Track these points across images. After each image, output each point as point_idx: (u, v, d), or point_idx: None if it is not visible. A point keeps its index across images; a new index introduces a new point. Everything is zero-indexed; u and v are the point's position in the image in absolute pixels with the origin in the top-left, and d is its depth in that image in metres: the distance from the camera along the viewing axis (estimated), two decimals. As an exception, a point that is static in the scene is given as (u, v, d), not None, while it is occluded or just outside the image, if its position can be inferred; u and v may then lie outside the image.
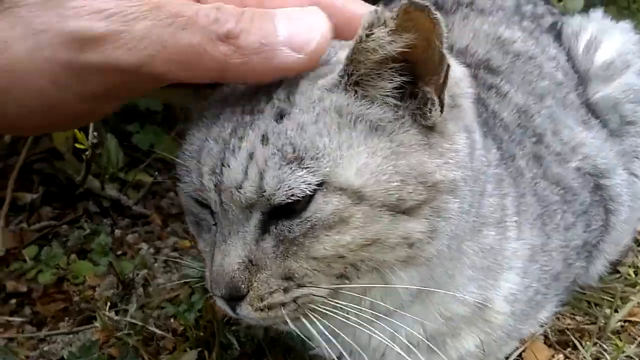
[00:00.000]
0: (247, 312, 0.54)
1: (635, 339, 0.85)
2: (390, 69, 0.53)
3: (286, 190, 0.51)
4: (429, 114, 0.54)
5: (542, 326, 0.83)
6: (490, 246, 0.65)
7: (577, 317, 0.91)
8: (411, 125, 0.55)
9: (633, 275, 1.01)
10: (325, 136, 0.52)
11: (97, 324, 0.92)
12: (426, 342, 0.64)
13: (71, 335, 0.93)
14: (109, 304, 0.96)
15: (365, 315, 0.57)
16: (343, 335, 0.59)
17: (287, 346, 0.86)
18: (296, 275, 0.54)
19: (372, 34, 0.50)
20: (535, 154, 0.77)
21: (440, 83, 0.54)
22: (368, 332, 0.58)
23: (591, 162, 0.81)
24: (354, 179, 0.51)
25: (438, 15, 0.49)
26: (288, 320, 0.55)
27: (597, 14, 0.96)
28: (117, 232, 1.22)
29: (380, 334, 0.59)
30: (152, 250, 1.17)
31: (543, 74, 0.85)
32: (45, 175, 1.32)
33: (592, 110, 0.89)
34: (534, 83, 0.84)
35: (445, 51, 0.52)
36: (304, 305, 0.55)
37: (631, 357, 0.81)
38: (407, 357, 0.62)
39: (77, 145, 1.00)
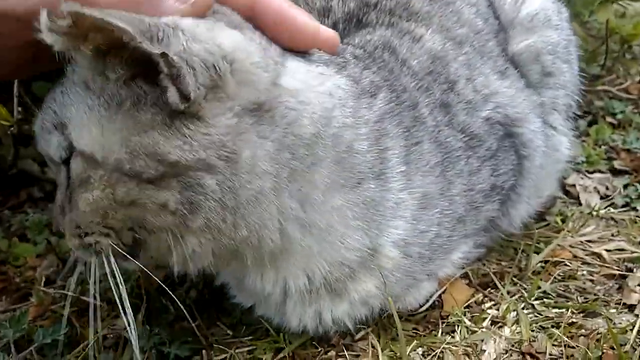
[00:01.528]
0: (69, 246, 0.64)
1: (552, 277, 0.88)
2: (117, 55, 0.56)
3: (52, 151, 0.61)
4: (169, 99, 0.56)
5: (462, 268, 0.87)
6: (371, 198, 0.68)
7: (503, 262, 0.95)
8: (152, 106, 0.57)
9: (560, 223, 1.05)
10: (72, 106, 0.59)
11: (33, 299, 0.93)
12: (320, 287, 0.70)
13: (7, 313, 0.93)
14: (44, 280, 0.96)
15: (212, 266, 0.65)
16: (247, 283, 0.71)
17: (220, 307, 0.88)
18: (80, 225, 0.61)
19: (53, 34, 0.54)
20: (444, 102, 0.78)
21: (168, 72, 0.55)
22: (259, 279, 0.70)
23: (502, 112, 0.83)
24: (88, 146, 0.58)
25: (97, 15, 0.51)
26: (94, 258, 0.63)
27: None
28: (61, 215, 1.22)
29: (268, 282, 0.70)
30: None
31: (462, 21, 0.87)
32: (-14, 163, 1.31)
33: (512, 60, 0.91)
34: (452, 29, 0.85)
35: (141, 43, 0.53)
36: (102, 251, 0.62)
37: (547, 293, 0.85)
38: (303, 304, 0.71)
39: (2, 122, 0.99)
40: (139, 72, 0.57)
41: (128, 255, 0.63)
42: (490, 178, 0.81)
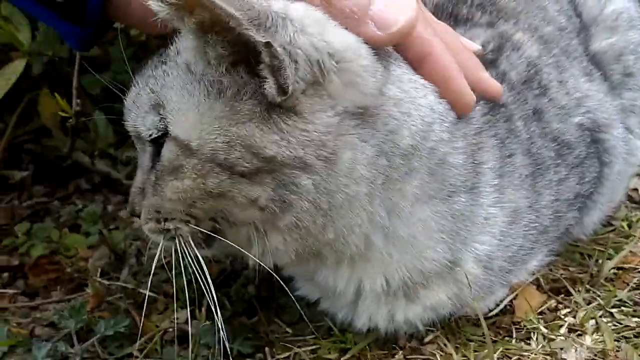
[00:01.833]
0: (144, 229, 0.63)
1: (628, 285, 0.84)
2: (221, 34, 0.53)
3: (144, 129, 0.59)
4: (265, 91, 0.54)
5: (533, 274, 0.83)
6: (460, 212, 0.65)
7: (571, 268, 0.91)
8: (251, 96, 0.55)
9: (627, 228, 1.00)
10: (172, 89, 0.57)
11: (89, 290, 0.92)
12: (398, 290, 0.68)
13: (63, 303, 0.92)
14: (99, 271, 0.95)
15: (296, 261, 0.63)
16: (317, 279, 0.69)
17: (278, 304, 0.86)
18: (162, 210, 0.60)
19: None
20: (537, 108, 0.75)
21: (270, 62, 0.53)
22: (332, 277, 0.68)
23: (592, 117, 0.80)
24: (184, 132, 0.56)
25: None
26: (168, 243, 0.61)
27: None
28: (110, 207, 1.22)
29: (342, 280, 0.68)
30: (144, 224, 1.17)
31: (548, 18, 0.83)
32: (36, 154, 1.32)
33: (593, 58, 0.87)
34: (540, 28, 0.82)
35: (248, 30, 0.50)
36: (178, 237, 0.60)
37: (624, 301, 0.81)
38: (377, 304, 0.69)
39: (61, 114, 0.99)
40: (241, 58, 0.55)
41: (204, 244, 0.61)
42: (576, 186, 0.77)
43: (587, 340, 0.73)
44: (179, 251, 0.61)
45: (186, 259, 0.61)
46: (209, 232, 0.60)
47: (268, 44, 0.51)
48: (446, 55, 0.62)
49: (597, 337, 0.73)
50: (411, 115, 0.60)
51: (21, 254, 1.05)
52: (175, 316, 0.81)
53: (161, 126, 0.58)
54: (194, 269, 0.61)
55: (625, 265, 0.89)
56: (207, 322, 0.77)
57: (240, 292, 0.88)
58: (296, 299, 0.80)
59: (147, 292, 0.78)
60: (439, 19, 0.79)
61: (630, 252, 0.92)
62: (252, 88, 0.55)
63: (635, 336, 0.73)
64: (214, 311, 0.62)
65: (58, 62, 1.17)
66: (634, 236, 0.96)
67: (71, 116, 1.01)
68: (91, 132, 1.21)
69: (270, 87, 0.54)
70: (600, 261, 0.88)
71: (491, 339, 0.75)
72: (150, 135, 0.59)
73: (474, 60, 0.68)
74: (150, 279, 0.70)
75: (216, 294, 0.87)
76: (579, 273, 0.88)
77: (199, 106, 0.56)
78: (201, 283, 0.62)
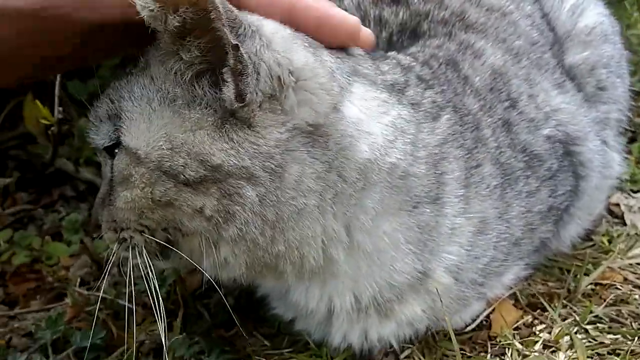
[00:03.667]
0: (104, 239, 0.64)
1: (605, 301, 0.85)
2: (199, 41, 0.55)
3: (98, 139, 0.61)
4: (224, 96, 0.55)
5: (510, 288, 0.83)
6: (426, 223, 0.66)
7: (549, 283, 0.91)
8: (206, 106, 0.56)
9: (607, 244, 1.01)
10: (129, 99, 0.58)
11: (68, 300, 0.92)
12: (369, 307, 0.68)
13: (42, 313, 0.92)
14: (79, 280, 0.95)
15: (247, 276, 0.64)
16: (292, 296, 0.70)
17: (258, 317, 0.86)
18: (117, 220, 0.61)
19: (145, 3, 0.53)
20: (506, 121, 0.76)
21: (233, 66, 0.54)
22: (304, 295, 0.68)
23: (564, 129, 0.80)
24: (133, 141, 0.58)
25: None
26: (127, 253, 0.63)
27: None
28: (94, 215, 1.21)
29: (313, 299, 0.68)
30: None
31: (518, 32, 0.84)
32: (21, 161, 1.31)
33: (567, 72, 0.88)
34: (509, 41, 0.83)
35: (224, 27, 0.52)
36: (134, 247, 0.61)
37: (600, 318, 0.81)
38: (350, 322, 0.70)
39: (43, 121, 0.99)
40: (207, 67, 0.56)
41: (160, 255, 0.62)
42: (549, 199, 0.78)
43: (561, 356, 0.73)
44: (139, 261, 0.62)
45: (142, 270, 0.62)
46: (163, 243, 0.61)
47: (237, 47, 0.53)
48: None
49: (571, 353, 0.73)
50: (372, 134, 0.61)
51: (2, 262, 1.05)
52: (152, 328, 0.81)
53: (114, 136, 0.59)
54: (148, 279, 0.61)
55: (603, 282, 0.89)
56: (182, 335, 0.77)
57: (219, 304, 0.88)
58: (271, 315, 0.80)
59: (126, 304, 0.78)
60: (403, 37, 0.81)
61: (609, 267, 0.92)
62: (209, 99, 0.56)
63: (609, 353, 0.74)
64: (160, 328, 0.64)
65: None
66: (613, 252, 0.97)
67: (53, 124, 1.01)
68: (76, 139, 1.20)
69: (229, 91, 0.55)
70: (578, 276, 0.89)
71: (466, 354, 0.76)
72: (103, 144, 0.60)
73: None
74: (127, 290, 0.69)
75: (196, 305, 0.89)
76: (557, 288, 0.88)
77: (150, 114, 0.57)
78: (151, 297, 0.62)
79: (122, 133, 0.59)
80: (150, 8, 0.53)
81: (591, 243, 1.02)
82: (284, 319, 0.78)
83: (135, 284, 0.96)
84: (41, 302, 0.95)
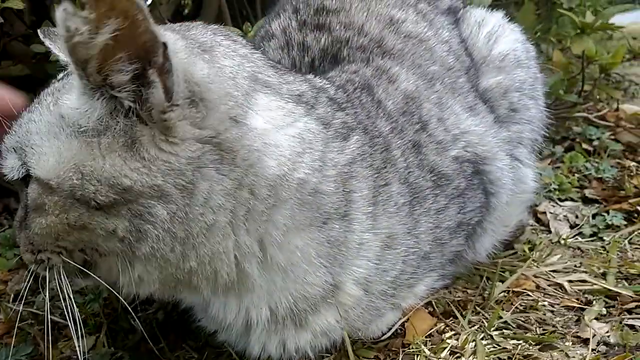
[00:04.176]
0: (24, 259, 0.66)
1: (515, 307, 0.90)
2: (127, 51, 0.55)
3: (6, 171, 0.63)
4: (153, 97, 0.56)
5: (424, 298, 0.88)
6: (335, 238, 0.69)
7: (469, 290, 0.97)
8: (116, 132, 0.58)
9: (527, 252, 1.07)
10: (37, 133, 0.61)
11: (1, 316, 0.93)
12: (286, 318, 0.71)
13: (-26, 329, 0.93)
14: (12, 295, 0.96)
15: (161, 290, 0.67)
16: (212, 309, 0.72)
17: (187, 329, 0.89)
18: (33, 242, 0.64)
19: (74, 30, 0.52)
20: (416, 142, 0.80)
21: (161, 65, 0.55)
22: (222, 308, 0.71)
23: (472, 150, 0.85)
24: (45, 173, 0.60)
25: None
26: (46, 273, 0.65)
27: (499, 13, 1.04)
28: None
29: (230, 312, 0.71)
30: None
31: (434, 58, 0.89)
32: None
33: (482, 95, 0.94)
34: (424, 67, 0.87)
35: (153, 27, 0.54)
36: (53, 267, 0.64)
37: (508, 324, 0.87)
38: (267, 334, 0.73)
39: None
40: (133, 76, 0.57)
41: (79, 274, 0.65)
42: (457, 215, 0.83)
43: (463, 362, 0.78)
44: (56, 281, 0.64)
45: (58, 290, 0.65)
46: (81, 263, 0.64)
47: (165, 44, 0.55)
48: None
49: (473, 359, 0.78)
50: (279, 146, 0.64)
51: (-60, 278, 1.06)
52: (78, 343, 0.83)
53: (22, 169, 0.62)
54: (65, 298, 0.64)
55: (516, 289, 0.95)
56: (106, 349, 0.79)
57: (148, 317, 0.91)
58: (200, 328, 0.83)
59: (47, 317, 0.79)
60: (324, 62, 0.85)
61: (523, 275, 0.98)
62: (121, 125, 0.58)
63: (509, 358, 0.79)
64: (74, 338, 0.66)
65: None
66: (531, 259, 1.02)
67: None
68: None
69: (158, 92, 0.56)
70: (493, 283, 0.94)
71: (379, 361, 0.80)
72: (13, 177, 0.63)
73: None
74: (45, 308, 0.72)
75: (128, 319, 0.91)
76: (473, 296, 0.94)
77: (60, 147, 0.59)
78: (67, 315, 0.65)
79: (31, 166, 0.61)
80: (81, 32, 0.53)
81: (512, 251, 1.08)
82: (207, 331, 0.81)
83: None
84: (-25, 318, 0.96)
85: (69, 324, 0.66)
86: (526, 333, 0.84)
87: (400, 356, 0.81)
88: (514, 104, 0.94)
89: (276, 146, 0.63)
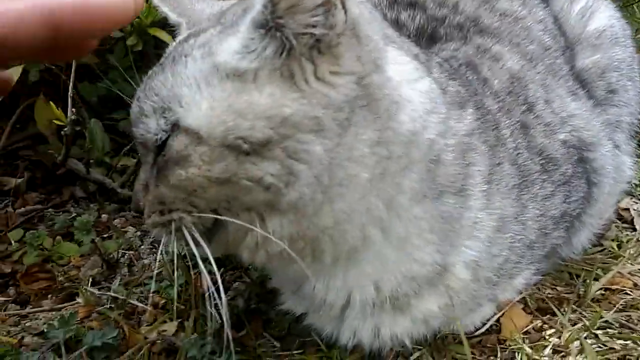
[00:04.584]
0: (147, 223, 0.63)
1: (615, 306, 0.85)
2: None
3: (149, 135, 0.60)
4: (327, 24, 0.55)
5: (520, 293, 0.84)
6: (449, 213, 0.66)
7: (558, 287, 0.91)
8: (274, 63, 0.56)
9: (616, 249, 1.01)
10: (184, 85, 0.58)
11: (79, 300, 0.92)
12: (386, 301, 0.67)
13: (53, 312, 0.93)
14: (90, 280, 0.96)
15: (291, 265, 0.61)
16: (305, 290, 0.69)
17: (267, 318, 0.86)
18: (166, 200, 0.60)
19: None
20: (523, 123, 0.77)
21: None
22: (323, 286, 0.67)
23: (578, 135, 0.81)
24: (195, 121, 0.57)
25: None
26: (170, 237, 0.61)
27: None
28: (104, 216, 1.22)
29: (332, 290, 0.67)
30: (138, 233, 1.17)
31: (531, 37, 0.85)
32: (31, 161, 1.33)
33: (578, 75, 0.89)
34: (522, 46, 0.83)
35: None
36: (181, 227, 0.60)
37: (610, 323, 0.81)
38: (363, 317, 0.68)
39: (56, 122, 1.00)
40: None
41: (205, 237, 0.61)
42: (562, 205, 0.78)
43: (571, 361, 0.73)
44: (178, 245, 0.61)
45: (188, 252, 0.61)
46: (210, 224, 0.61)
47: None
48: None
49: (581, 358, 0.73)
50: (411, 101, 0.61)
51: (14, 262, 1.06)
52: (163, 328, 0.82)
53: (167, 128, 0.59)
54: (194, 253, 0.60)
55: (613, 287, 0.90)
56: (194, 335, 0.77)
57: (228, 305, 0.88)
58: (283, 312, 0.80)
59: (137, 303, 0.78)
60: (420, 41, 0.81)
61: (619, 273, 0.92)
62: (284, 59, 0.56)
63: (619, 359, 0.74)
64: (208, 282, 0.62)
65: (55, 70, 1.19)
66: (623, 257, 0.97)
67: (66, 125, 1.02)
68: (87, 140, 1.21)
69: (340, 12, 0.55)
70: (587, 281, 0.89)
71: (476, 357, 0.76)
72: (158, 139, 0.59)
73: None
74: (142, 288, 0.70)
75: (207, 306, 0.89)
76: (567, 293, 0.89)
77: (212, 92, 0.57)
78: (204, 277, 0.62)
79: (181, 118, 0.57)
80: None
81: (601, 248, 1.02)
82: (293, 315, 0.78)
83: (146, 284, 0.99)
84: (52, 301, 0.96)
85: (203, 271, 0.62)
86: (633, 333, 0.79)
87: (498, 353, 0.76)
88: (612, 84, 0.88)
89: (409, 100, 0.61)
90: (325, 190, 0.58)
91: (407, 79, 0.62)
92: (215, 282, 0.92)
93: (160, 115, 0.59)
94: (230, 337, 0.68)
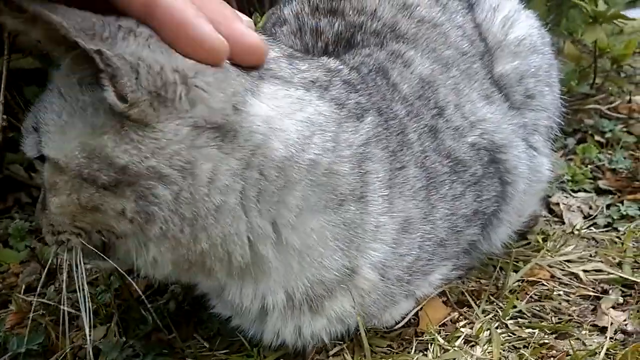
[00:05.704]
0: (47, 241, 0.66)
1: (529, 296, 0.89)
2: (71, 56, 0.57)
3: (27, 150, 0.63)
4: (109, 99, 0.56)
5: (440, 288, 0.87)
6: (351, 220, 0.69)
7: (482, 280, 0.95)
8: (105, 111, 0.57)
9: (541, 242, 1.06)
10: (46, 112, 0.61)
11: (12, 307, 0.93)
12: (301, 304, 0.71)
13: (-13, 320, 0.93)
14: (25, 287, 0.97)
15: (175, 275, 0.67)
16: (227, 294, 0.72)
17: (199, 319, 0.89)
18: (53, 223, 0.63)
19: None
20: (432, 127, 0.79)
21: (104, 69, 0.54)
22: (238, 293, 0.70)
23: (489, 138, 0.84)
24: (53, 152, 0.60)
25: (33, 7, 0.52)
26: (64, 256, 0.65)
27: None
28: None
29: (247, 297, 0.70)
30: (82, 238, 1.18)
31: (448, 43, 0.88)
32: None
33: (497, 82, 0.92)
34: (438, 52, 0.86)
35: (77, 37, 0.53)
36: (72, 249, 0.63)
37: (523, 313, 0.85)
38: (283, 319, 0.72)
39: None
40: (93, 73, 0.56)
41: (99, 254, 0.64)
42: (474, 203, 0.81)
43: (478, 351, 0.77)
44: (74, 263, 0.64)
45: (74, 273, 0.64)
46: (100, 245, 0.63)
47: (99, 52, 0.54)
48: (177, 2, 0.56)
49: (488, 347, 0.77)
50: (285, 130, 0.63)
51: (-48, 270, 1.06)
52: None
53: (36, 148, 0.62)
54: (80, 282, 0.64)
55: (530, 278, 0.94)
56: (117, 338, 0.79)
57: (159, 308, 0.90)
58: (214, 315, 0.83)
59: (65, 308, 0.79)
60: (338, 47, 0.84)
61: (537, 264, 0.97)
62: (106, 102, 0.57)
63: (525, 347, 0.78)
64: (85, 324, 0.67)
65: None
66: (545, 249, 1.01)
67: (-1, 130, 1.02)
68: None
69: (110, 95, 0.56)
70: (507, 273, 0.93)
71: (393, 350, 0.80)
72: (32, 155, 0.63)
73: (227, 10, 0.61)
74: (62, 294, 0.72)
75: (140, 309, 0.91)
76: (487, 286, 0.92)
77: (64, 126, 0.59)
78: (80, 297, 0.65)
79: (43, 144, 0.61)
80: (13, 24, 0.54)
81: (526, 242, 1.06)
82: (222, 317, 0.81)
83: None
84: (-14, 309, 0.96)
85: (82, 311, 0.66)
86: (541, 322, 0.83)
87: (414, 344, 0.80)
88: (529, 90, 0.92)
89: (283, 130, 0.63)
90: (192, 223, 0.61)
91: (283, 112, 0.63)
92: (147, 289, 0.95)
93: (35, 133, 0.61)
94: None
